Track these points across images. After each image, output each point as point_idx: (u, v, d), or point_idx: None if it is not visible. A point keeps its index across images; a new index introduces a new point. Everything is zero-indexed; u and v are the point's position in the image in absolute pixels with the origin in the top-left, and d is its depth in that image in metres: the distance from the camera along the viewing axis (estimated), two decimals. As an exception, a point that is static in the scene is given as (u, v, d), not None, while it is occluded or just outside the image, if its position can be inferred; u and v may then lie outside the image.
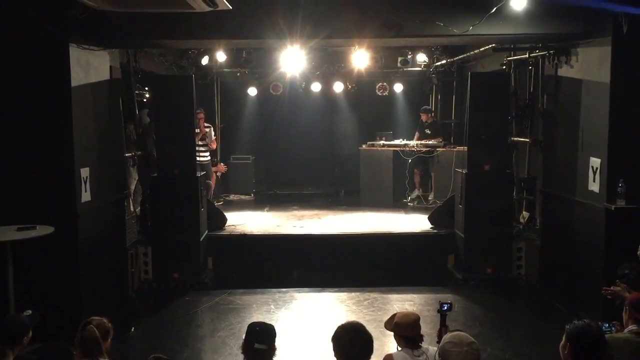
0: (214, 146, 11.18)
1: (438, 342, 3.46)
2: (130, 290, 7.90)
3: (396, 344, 3.87)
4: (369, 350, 3.22)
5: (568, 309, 7.14)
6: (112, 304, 6.96)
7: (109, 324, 3.92)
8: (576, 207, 7.05)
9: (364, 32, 6.84)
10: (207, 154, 10.85)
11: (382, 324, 4.03)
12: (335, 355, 3.24)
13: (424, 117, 11.90)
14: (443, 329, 3.81)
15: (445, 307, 3.96)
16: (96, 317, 3.89)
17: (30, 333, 3.99)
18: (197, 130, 10.72)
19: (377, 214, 10.62)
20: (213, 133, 11.21)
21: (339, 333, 3.26)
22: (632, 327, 3.65)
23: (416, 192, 11.59)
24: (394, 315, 3.91)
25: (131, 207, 8.40)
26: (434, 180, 11.35)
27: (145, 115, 9.21)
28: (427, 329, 4.84)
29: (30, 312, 4.66)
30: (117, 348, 4.55)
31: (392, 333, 3.91)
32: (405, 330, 3.80)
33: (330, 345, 3.25)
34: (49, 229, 5.55)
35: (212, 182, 11.26)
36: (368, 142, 11.81)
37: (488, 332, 6.54)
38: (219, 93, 13.09)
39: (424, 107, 12.22)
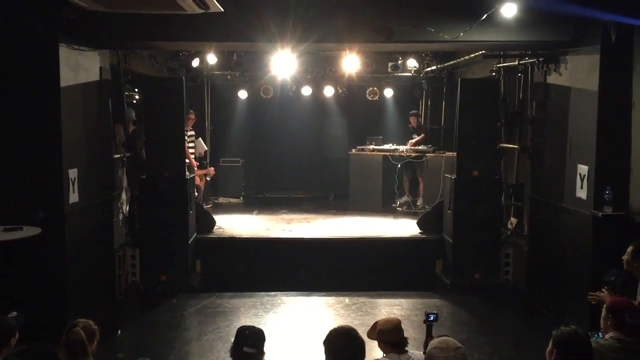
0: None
1: (424, 353, 3.45)
2: (118, 292, 7.85)
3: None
4: (361, 355, 3.20)
5: (555, 314, 7.18)
6: (99, 306, 6.92)
7: (95, 326, 3.89)
8: (564, 213, 7.10)
9: (355, 37, 6.86)
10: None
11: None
12: (327, 359, 3.23)
13: (413, 122, 11.94)
14: (429, 339, 3.69)
15: (432, 317, 3.85)
16: (82, 319, 3.86)
17: (17, 335, 3.95)
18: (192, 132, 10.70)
19: (366, 219, 10.62)
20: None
21: (331, 337, 3.24)
22: (612, 333, 3.64)
23: (405, 198, 11.62)
24: (376, 323, 3.85)
25: (121, 209, 8.34)
26: (423, 186, 11.39)
27: (132, 113, 9.07)
28: (415, 333, 4.86)
29: (16, 313, 4.62)
30: (103, 350, 4.52)
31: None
32: (390, 335, 3.75)
33: (320, 348, 3.24)
34: (36, 230, 5.50)
35: (202, 185, 11.21)
36: (358, 147, 11.85)
37: (475, 338, 6.55)
38: (209, 96, 13.02)
39: (414, 111, 12.15)
